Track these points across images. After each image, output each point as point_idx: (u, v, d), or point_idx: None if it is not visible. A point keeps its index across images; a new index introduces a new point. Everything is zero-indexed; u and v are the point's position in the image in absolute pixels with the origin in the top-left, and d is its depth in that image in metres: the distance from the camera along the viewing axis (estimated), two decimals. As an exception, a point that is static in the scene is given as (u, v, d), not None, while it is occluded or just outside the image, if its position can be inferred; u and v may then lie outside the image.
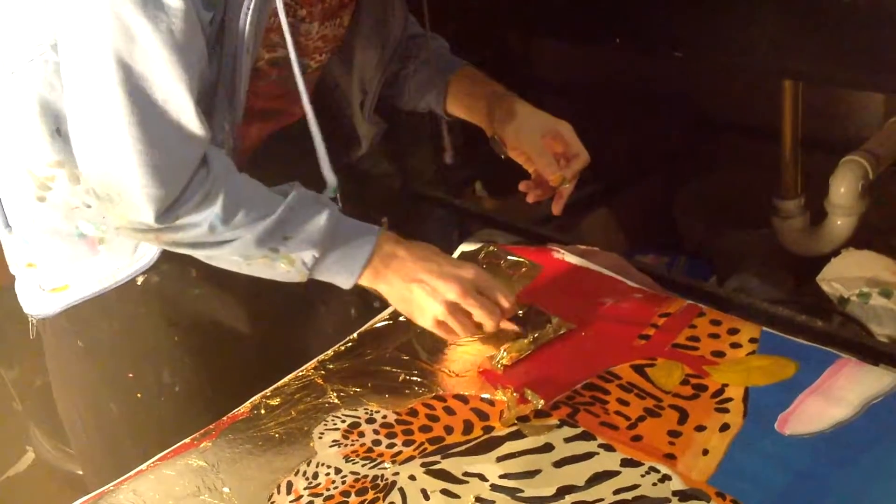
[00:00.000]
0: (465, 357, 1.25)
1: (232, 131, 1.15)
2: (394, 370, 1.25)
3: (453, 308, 1.18)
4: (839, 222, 1.96)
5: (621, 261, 1.44)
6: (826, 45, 1.55)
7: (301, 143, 1.25)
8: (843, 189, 1.90)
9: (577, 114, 1.37)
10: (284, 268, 1.15)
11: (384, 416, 1.16)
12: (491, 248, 1.48)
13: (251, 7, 1.07)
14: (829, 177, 1.93)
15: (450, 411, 1.16)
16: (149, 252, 1.22)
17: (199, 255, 1.15)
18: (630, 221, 2.41)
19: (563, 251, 1.45)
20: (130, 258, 1.22)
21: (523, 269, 1.42)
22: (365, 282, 1.18)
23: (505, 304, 1.21)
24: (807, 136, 2.00)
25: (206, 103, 1.11)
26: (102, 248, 1.22)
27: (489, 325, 1.20)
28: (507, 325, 1.24)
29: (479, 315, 1.19)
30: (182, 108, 1.04)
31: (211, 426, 1.19)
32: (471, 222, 2.12)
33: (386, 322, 1.35)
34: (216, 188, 1.08)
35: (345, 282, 1.17)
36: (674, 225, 2.39)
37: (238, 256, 1.13)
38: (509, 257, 1.45)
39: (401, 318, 1.33)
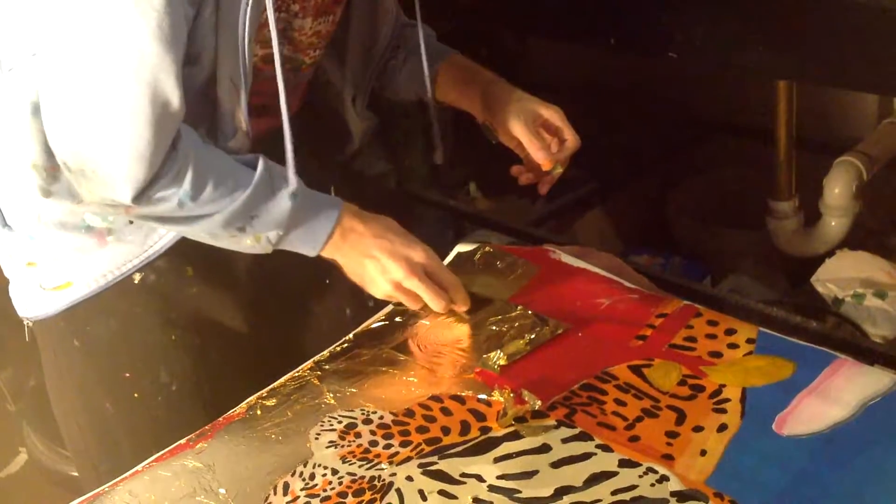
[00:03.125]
0: (461, 358, 1.25)
1: (246, 116, 1.16)
2: (390, 370, 1.24)
3: (400, 286, 1.24)
4: (833, 223, 1.96)
5: (618, 261, 1.43)
6: (820, 45, 1.55)
7: (296, 139, 1.26)
8: (838, 190, 1.91)
9: (571, 114, 1.36)
10: (250, 243, 1.18)
11: (381, 417, 1.16)
12: (487, 248, 1.48)
13: (250, 2, 1.08)
14: (823, 178, 1.93)
15: (447, 412, 1.16)
16: (161, 240, 1.23)
17: (168, 228, 1.18)
18: (624, 222, 2.41)
19: (559, 251, 1.45)
20: (140, 248, 1.23)
21: (519, 270, 1.42)
22: (326, 254, 1.22)
23: (449, 286, 1.27)
24: (801, 137, 2.01)
25: (204, 94, 1.12)
26: (111, 240, 1.22)
27: (434, 306, 1.27)
28: (458, 310, 1.29)
29: (424, 296, 1.25)
30: (170, 95, 1.04)
31: (207, 427, 1.19)
32: (466, 223, 2.12)
33: (382, 322, 1.35)
34: (185, 164, 1.09)
35: (308, 252, 1.21)
36: (668, 225, 2.39)
37: (206, 234, 1.16)
38: (505, 257, 1.45)
39: (397, 319, 1.33)
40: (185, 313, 1.29)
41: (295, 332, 1.30)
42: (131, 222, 1.20)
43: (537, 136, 1.33)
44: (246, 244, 1.17)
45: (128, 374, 1.28)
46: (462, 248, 1.49)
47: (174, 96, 1.04)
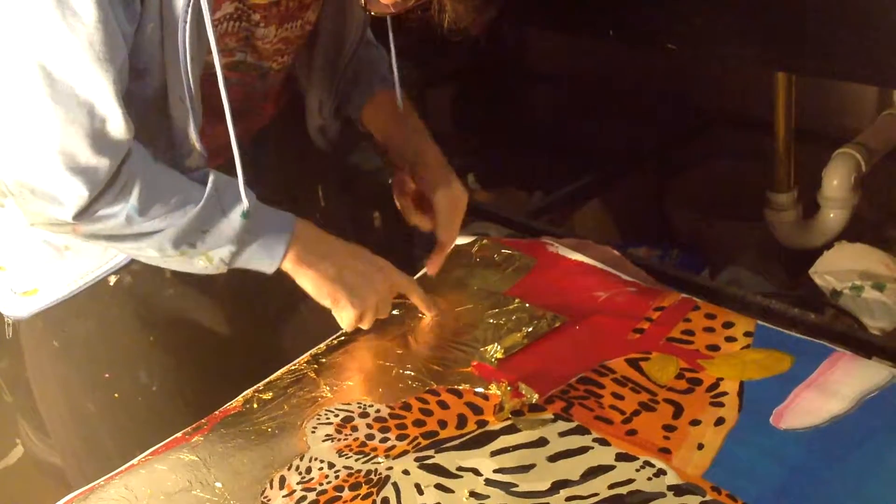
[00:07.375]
0: (458, 351, 1.25)
1: (197, 135, 1.12)
2: (387, 364, 1.24)
3: (373, 311, 1.25)
4: (832, 215, 1.96)
5: (615, 254, 1.43)
6: (819, 37, 1.54)
7: (278, 144, 1.24)
8: (836, 182, 1.90)
9: (569, 105, 1.36)
10: (203, 264, 1.14)
11: (377, 411, 1.16)
12: (484, 241, 1.48)
13: (188, 19, 1.04)
14: (821, 169, 1.93)
15: (443, 405, 1.15)
16: (120, 253, 1.20)
17: (120, 248, 1.14)
18: (622, 214, 2.41)
19: (556, 244, 1.44)
20: (100, 259, 1.21)
21: (517, 263, 1.42)
22: (287, 267, 1.18)
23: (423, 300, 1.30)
24: (800, 129, 2.00)
25: (158, 111, 1.10)
26: (70, 254, 1.20)
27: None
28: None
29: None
30: (108, 112, 1.01)
31: (203, 420, 1.18)
32: (464, 215, 2.11)
33: (379, 315, 1.34)
34: (132, 178, 1.06)
35: (267, 268, 1.17)
36: (666, 218, 2.38)
37: (155, 252, 1.12)
38: (502, 250, 1.45)
39: (395, 312, 1.33)
40: (164, 315, 1.28)
41: (276, 332, 1.28)
42: None
43: (455, 222, 1.36)
44: (199, 265, 1.14)
45: (107, 375, 1.27)
46: (459, 240, 1.48)
47: (113, 113, 1.01)
